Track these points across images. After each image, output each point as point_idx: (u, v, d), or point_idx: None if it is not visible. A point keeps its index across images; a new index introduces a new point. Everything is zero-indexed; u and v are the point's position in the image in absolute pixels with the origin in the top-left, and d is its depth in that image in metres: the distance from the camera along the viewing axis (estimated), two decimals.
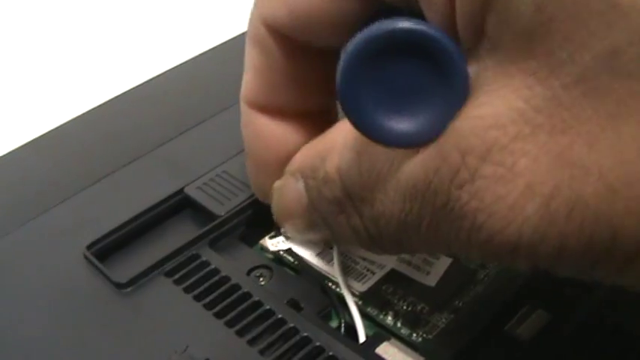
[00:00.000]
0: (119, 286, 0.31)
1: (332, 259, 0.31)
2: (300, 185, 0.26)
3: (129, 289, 0.31)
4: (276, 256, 0.32)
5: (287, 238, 0.32)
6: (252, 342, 0.28)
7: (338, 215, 0.24)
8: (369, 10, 0.23)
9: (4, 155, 0.40)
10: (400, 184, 0.22)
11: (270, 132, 0.28)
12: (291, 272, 0.32)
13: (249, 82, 0.27)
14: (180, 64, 0.46)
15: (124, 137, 0.40)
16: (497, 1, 0.19)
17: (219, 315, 0.29)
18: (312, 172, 0.25)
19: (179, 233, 0.34)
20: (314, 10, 0.24)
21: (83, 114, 0.42)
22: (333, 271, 0.31)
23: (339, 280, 0.30)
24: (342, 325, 0.29)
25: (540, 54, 0.19)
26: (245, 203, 0.34)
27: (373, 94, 0.21)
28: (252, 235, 0.34)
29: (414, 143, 0.21)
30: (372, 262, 0.31)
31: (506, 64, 0.19)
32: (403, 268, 0.31)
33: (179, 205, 0.35)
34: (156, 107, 0.43)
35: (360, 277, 0.30)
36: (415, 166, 0.21)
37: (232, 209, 0.34)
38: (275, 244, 0.32)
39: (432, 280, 0.30)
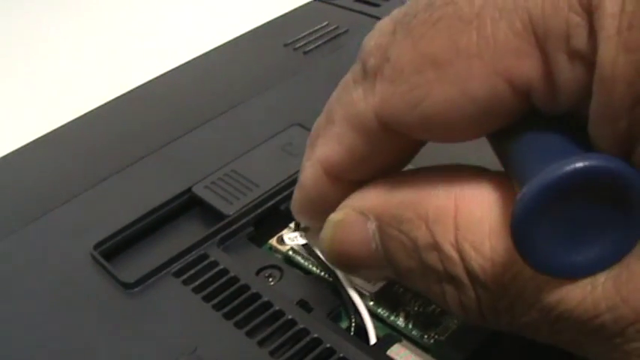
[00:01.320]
0: (126, 286, 0.31)
1: None
2: (371, 227, 0.24)
3: (136, 289, 0.31)
4: (286, 257, 0.32)
5: (304, 234, 0.32)
6: (261, 343, 0.28)
7: (432, 283, 0.23)
8: (517, 115, 0.21)
9: (10, 154, 0.40)
10: (548, 298, 0.21)
11: (337, 195, 0.26)
12: (301, 272, 0.31)
13: (334, 155, 0.25)
14: (188, 62, 0.46)
15: (130, 136, 0.40)
16: None
17: (228, 316, 0.29)
18: (395, 222, 0.24)
19: (187, 233, 0.34)
20: (453, 118, 0.22)
21: (89, 112, 0.42)
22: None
23: (347, 281, 0.30)
24: (353, 326, 0.29)
25: None
26: (254, 202, 0.34)
27: (548, 233, 0.20)
28: (261, 235, 0.33)
29: (588, 274, 0.20)
30: None
31: None
32: None
33: (187, 205, 0.35)
34: (163, 105, 0.42)
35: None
36: (577, 290, 0.20)
37: (241, 208, 0.33)
38: (292, 238, 0.32)
39: None
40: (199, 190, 0.35)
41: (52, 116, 0.43)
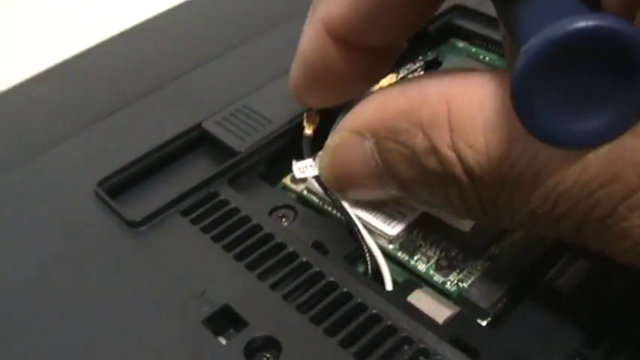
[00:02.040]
0: (132, 224, 0.29)
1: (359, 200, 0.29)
2: (369, 145, 0.24)
3: (142, 229, 0.29)
4: (300, 196, 0.31)
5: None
6: (274, 286, 0.26)
7: (435, 186, 0.23)
8: None
9: (14, 87, 0.39)
10: (545, 183, 0.21)
11: (339, 61, 0.26)
12: (316, 213, 0.30)
13: (337, 10, 0.25)
14: None
15: (139, 69, 0.38)
16: None
17: (239, 257, 0.28)
18: (392, 135, 0.23)
19: (196, 170, 0.32)
20: None
21: (98, 45, 0.41)
22: (361, 212, 0.29)
23: (364, 223, 0.28)
24: (370, 270, 0.27)
25: None
26: (267, 140, 0.32)
27: (548, 95, 0.19)
28: (274, 174, 0.32)
29: (589, 145, 0.20)
30: (403, 205, 0.29)
31: None
32: (436, 212, 0.29)
33: (196, 141, 0.34)
34: (173, 39, 0.41)
35: (389, 220, 0.28)
36: (571, 171, 0.20)
37: (253, 145, 0.32)
38: (302, 169, 0.30)
39: (466, 225, 0.28)
40: (210, 126, 0.33)
41: (58, 50, 0.42)
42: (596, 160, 0.20)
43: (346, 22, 0.25)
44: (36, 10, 0.54)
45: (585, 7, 0.19)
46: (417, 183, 0.24)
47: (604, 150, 0.20)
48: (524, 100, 0.19)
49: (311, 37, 0.26)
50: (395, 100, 0.24)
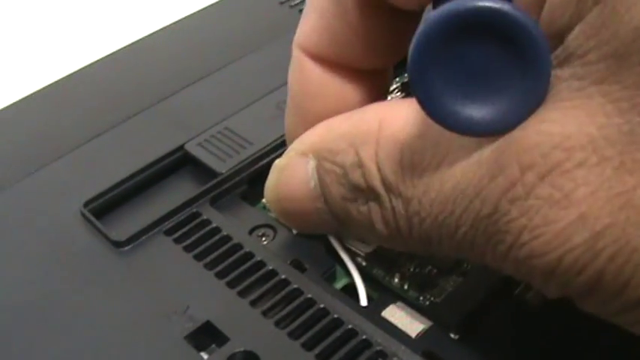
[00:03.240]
0: (117, 244, 0.30)
1: None
2: (311, 166, 0.25)
3: (127, 248, 0.30)
4: None
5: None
6: (254, 303, 0.27)
7: (359, 205, 0.24)
8: None
9: (2, 109, 0.39)
10: (446, 185, 0.21)
11: (321, 83, 0.26)
12: (295, 232, 0.31)
13: (310, 27, 0.26)
14: (182, 19, 0.45)
15: (123, 92, 0.39)
16: (594, 13, 0.18)
17: (220, 275, 0.28)
18: (331, 155, 0.24)
19: (179, 191, 0.33)
20: None
21: (82, 68, 0.41)
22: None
23: (341, 241, 0.29)
24: (349, 287, 0.28)
25: (628, 82, 0.18)
26: (247, 161, 0.33)
27: (446, 75, 0.19)
28: (254, 194, 0.33)
29: (485, 132, 0.20)
30: None
31: (586, 81, 0.18)
32: None
33: (179, 162, 0.34)
34: (156, 62, 0.42)
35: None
36: (468, 170, 0.20)
37: (234, 166, 0.33)
38: None
39: None
40: (192, 148, 0.34)
41: (41, 73, 0.42)
42: (489, 155, 0.20)
43: (320, 39, 0.25)
44: (20, 35, 0.54)
45: None
46: (344, 202, 0.24)
47: (497, 143, 0.20)
48: (420, 79, 0.20)
49: (293, 65, 0.27)
50: (340, 124, 0.25)
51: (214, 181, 0.32)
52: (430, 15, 0.19)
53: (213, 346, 0.27)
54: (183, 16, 0.45)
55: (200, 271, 0.29)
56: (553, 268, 0.19)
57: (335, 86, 0.26)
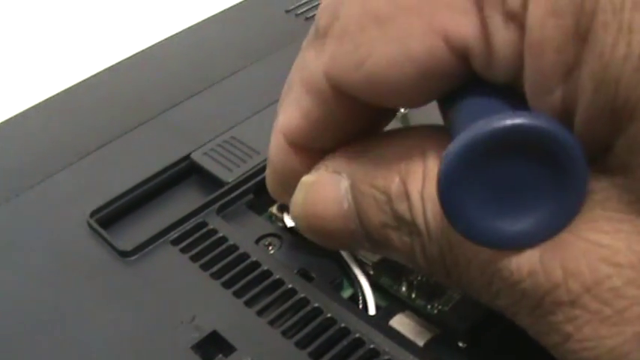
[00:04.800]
0: (124, 254, 0.30)
1: None
2: (344, 186, 0.24)
3: (134, 258, 0.30)
4: (286, 225, 0.31)
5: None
6: (261, 313, 0.27)
7: (402, 235, 0.23)
8: (459, 81, 0.21)
9: (8, 120, 0.39)
10: (485, 258, 0.20)
11: (303, 165, 0.26)
12: (302, 241, 0.31)
13: (295, 123, 0.25)
14: (189, 28, 0.45)
15: (129, 102, 0.39)
16: (633, 126, 0.17)
17: (227, 285, 0.28)
18: (368, 178, 0.23)
19: (185, 200, 0.33)
20: (395, 78, 0.21)
21: (88, 78, 0.42)
22: None
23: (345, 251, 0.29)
24: (357, 296, 0.28)
25: None
26: (254, 170, 0.33)
27: (478, 195, 0.19)
28: (260, 203, 0.32)
29: (519, 246, 0.19)
30: None
31: (634, 196, 0.18)
32: None
33: (185, 172, 0.34)
34: (163, 71, 0.42)
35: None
36: (508, 255, 0.20)
37: (240, 176, 0.33)
38: None
39: None
40: (198, 157, 0.34)
41: (47, 83, 0.42)
42: (531, 252, 0.19)
43: (301, 132, 0.25)
44: (25, 45, 0.55)
45: (515, 107, 0.19)
46: (385, 230, 0.23)
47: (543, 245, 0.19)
48: (451, 203, 0.19)
49: (274, 145, 0.26)
50: (375, 147, 0.24)
51: (221, 190, 0.32)
52: (455, 140, 0.18)
53: (220, 356, 0.27)
54: (188, 25, 0.45)
55: (206, 281, 0.29)
56: None
57: (309, 164, 0.26)
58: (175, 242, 0.30)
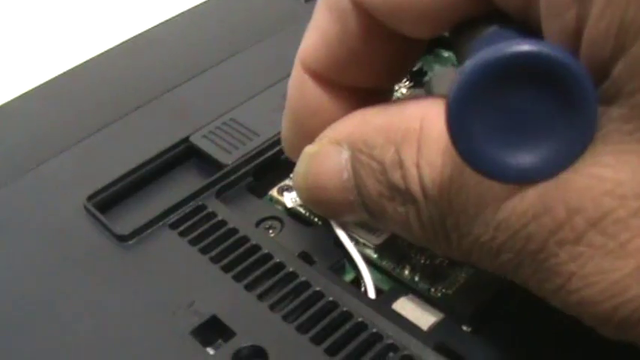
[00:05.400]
0: (121, 238, 0.30)
1: None
2: (344, 157, 0.24)
3: (131, 242, 0.30)
4: (287, 208, 0.31)
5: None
6: (261, 297, 0.27)
7: (397, 205, 0.23)
8: (474, 9, 0.21)
9: (5, 103, 0.39)
10: (489, 210, 0.20)
11: (321, 101, 0.26)
12: (303, 224, 0.30)
13: (312, 45, 0.25)
14: (188, 10, 0.44)
15: (127, 84, 0.39)
16: (637, 47, 0.17)
17: (226, 268, 0.28)
18: (367, 149, 0.23)
19: (184, 183, 0.32)
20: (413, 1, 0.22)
21: (86, 61, 0.41)
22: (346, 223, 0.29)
23: (344, 233, 0.28)
24: (358, 279, 0.28)
25: None
26: (253, 152, 0.32)
27: (486, 123, 0.19)
28: (260, 186, 0.32)
29: (528, 180, 0.19)
30: None
31: (633, 125, 0.18)
32: None
33: (184, 155, 0.34)
34: (161, 53, 0.41)
35: (374, 229, 0.29)
36: (514, 201, 0.20)
37: (240, 158, 0.32)
38: (294, 199, 0.30)
39: None
40: (197, 140, 0.33)
41: (45, 67, 0.42)
42: (533, 190, 0.19)
43: (318, 54, 0.25)
44: (22, 28, 0.54)
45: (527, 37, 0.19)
46: (381, 199, 0.23)
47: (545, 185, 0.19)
48: (459, 127, 0.19)
49: (293, 77, 0.26)
50: (376, 117, 0.24)
51: (220, 173, 0.32)
52: (467, 65, 0.18)
53: (220, 341, 0.26)
54: (188, 7, 0.45)
55: (206, 265, 0.28)
56: (608, 317, 0.19)
57: (334, 105, 0.26)
58: (174, 226, 0.30)
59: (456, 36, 0.23)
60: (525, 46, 0.18)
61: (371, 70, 0.25)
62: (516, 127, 0.19)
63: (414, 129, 0.22)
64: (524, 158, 0.19)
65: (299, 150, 0.27)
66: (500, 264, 0.21)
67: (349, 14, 0.23)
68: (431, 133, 0.22)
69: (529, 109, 0.19)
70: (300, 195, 0.27)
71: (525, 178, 0.19)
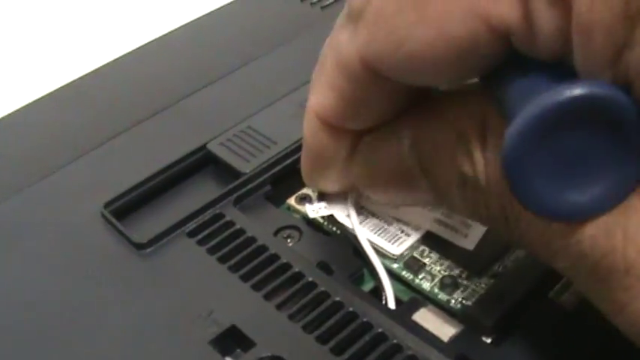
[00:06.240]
0: (139, 246, 0.30)
1: (364, 220, 0.29)
2: (406, 144, 0.24)
3: (149, 250, 0.29)
4: (305, 217, 0.31)
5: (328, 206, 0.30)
6: (280, 306, 0.27)
7: (464, 192, 0.23)
8: (499, 58, 0.21)
9: (22, 108, 0.39)
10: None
11: (336, 146, 0.27)
12: (321, 233, 0.30)
13: (325, 100, 0.25)
14: (204, 16, 0.44)
15: (144, 91, 0.39)
16: None
17: (245, 278, 0.28)
18: (433, 138, 0.24)
19: (202, 191, 0.32)
20: (434, 61, 0.21)
21: (103, 66, 0.41)
22: (366, 231, 0.29)
23: (367, 242, 0.28)
24: (378, 290, 0.28)
25: None
26: (271, 160, 0.32)
27: (542, 166, 0.19)
28: (278, 194, 0.32)
29: (585, 216, 0.19)
30: (407, 224, 0.29)
31: None
32: (439, 231, 0.29)
33: (201, 162, 0.34)
34: (178, 60, 0.41)
35: (394, 239, 0.29)
36: None
37: (258, 166, 0.32)
38: (316, 210, 0.30)
39: (470, 244, 0.28)
40: (214, 147, 0.33)
41: (63, 71, 0.42)
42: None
43: (335, 112, 0.25)
44: (37, 34, 0.54)
45: (568, 77, 0.19)
46: (450, 185, 0.23)
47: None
48: (516, 173, 0.19)
49: (308, 126, 0.27)
50: (435, 109, 0.24)
51: (238, 181, 0.31)
52: (520, 115, 0.18)
53: (239, 350, 0.26)
54: (204, 13, 0.45)
55: (224, 274, 0.28)
56: None
57: (346, 146, 0.27)
58: (192, 234, 0.30)
59: (485, 80, 0.23)
60: (577, 90, 0.18)
61: (379, 118, 0.25)
62: (570, 167, 0.19)
63: (480, 122, 0.22)
64: (584, 196, 0.19)
65: (315, 180, 0.28)
66: (558, 267, 0.21)
67: (364, 78, 0.23)
68: (496, 127, 0.22)
69: (582, 149, 0.19)
70: (360, 182, 0.27)
71: (586, 214, 0.19)
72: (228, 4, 0.45)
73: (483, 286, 0.27)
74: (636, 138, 0.18)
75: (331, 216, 0.30)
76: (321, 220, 0.30)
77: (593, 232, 0.19)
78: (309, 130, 0.26)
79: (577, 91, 0.18)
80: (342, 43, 0.24)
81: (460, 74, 0.22)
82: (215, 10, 0.45)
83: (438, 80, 0.23)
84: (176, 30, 0.43)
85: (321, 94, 0.25)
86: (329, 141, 0.26)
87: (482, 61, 0.21)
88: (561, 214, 0.19)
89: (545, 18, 0.18)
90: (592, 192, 0.19)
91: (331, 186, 0.29)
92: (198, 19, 0.44)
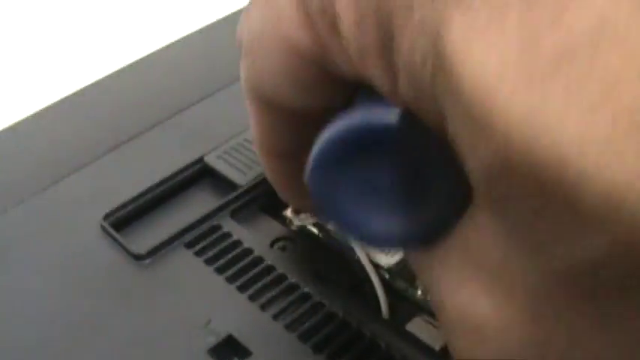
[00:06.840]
0: (137, 257, 0.30)
1: None
2: None
3: (147, 261, 0.30)
4: (301, 228, 0.31)
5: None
6: (276, 316, 0.27)
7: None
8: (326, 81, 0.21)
9: (20, 121, 0.39)
10: None
11: (292, 171, 0.26)
12: (317, 244, 0.30)
13: (254, 134, 0.25)
14: (201, 29, 0.45)
15: (142, 104, 0.39)
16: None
17: (241, 288, 0.28)
18: None
19: (199, 203, 0.33)
20: (281, 88, 0.22)
21: (100, 80, 0.41)
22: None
23: (362, 253, 0.29)
24: (372, 299, 0.28)
25: None
26: None
27: (348, 192, 0.19)
28: (275, 206, 0.32)
29: (396, 244, 0.20)
30: None
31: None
32: None
33: (199, 175, 0.34)
34: (175, 73, 0.42)
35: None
36: None
37: (254, 178, 0.32)
38: (303, 219, 0.31)
39: None
40: (211, 160, 0.34)
41: (60, 85, 0.42)
42: None
43: (264, 141, 0.25)
44: (36, 47, 0.55)
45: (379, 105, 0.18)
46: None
47: None
48: (323, 202, 0.19)
49: (260, 159, 0.27)
50: None
51: (234, 193, 0.32)
52: (321, 135, 0.18)
53: (236, 359, 0.27)
54: (201, 26, 0.45)
55: (221, 285, 0.29)
56: None
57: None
58: (189, 245, 0.30)
59: None
60: (346, 122, 0.18)
61: (313, 130, 0.25)
62: (373, 195, 0.18)
63: None
64: (385, 224, 0.19)
65: (295, 198, 0.28)
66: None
67: (258, 105, 0.24)
68: None
69: (376, 177, 0.18)
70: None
71: (391, 243, 0.19)
72: (226, 16, 0.46)
73: None
74: (420, 162, 0.17)
75: (326, 227, 0.30)
76: (316, 232, 0.31)
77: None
78: (262, 162, 0.26)
79: (344, 123, 0.18)
80: (241, 78, 0.24)
81: (320, 98, 0.22)
82: (212, 24, 0.45)
83: (304, 103, 0.22)
84: (174, 43, 0.44)
85: (255, 132, 0.25)
86: (282, 167, 0.26)
87: (325, 85, 0.21)
88: (373, 241, 0.19)
89: (333, 44, 0.19)
90: (393, 222, 0.18)
91: (305, 202, 0.28)
92: (196, 32, 0.44)
